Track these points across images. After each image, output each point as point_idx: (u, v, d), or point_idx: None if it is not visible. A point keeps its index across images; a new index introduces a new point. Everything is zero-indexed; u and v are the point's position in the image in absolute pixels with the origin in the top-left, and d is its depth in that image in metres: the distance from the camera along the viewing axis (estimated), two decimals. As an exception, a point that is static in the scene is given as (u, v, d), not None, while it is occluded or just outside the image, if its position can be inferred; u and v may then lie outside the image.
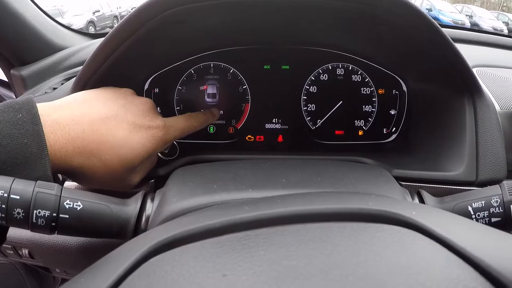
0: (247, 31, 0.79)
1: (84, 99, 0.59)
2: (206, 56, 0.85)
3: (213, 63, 0.85)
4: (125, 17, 0.61)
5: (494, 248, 0.31)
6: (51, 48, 0.99)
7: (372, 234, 0.32)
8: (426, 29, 0.62)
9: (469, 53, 0.99)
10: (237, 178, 0.54)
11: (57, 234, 0.46)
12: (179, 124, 0.67)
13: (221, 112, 0.85)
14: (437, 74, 0.71)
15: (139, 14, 0.60)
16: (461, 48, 1.05)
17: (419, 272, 0.27)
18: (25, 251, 0.75)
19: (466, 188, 0.64)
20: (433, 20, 0.62)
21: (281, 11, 0.68)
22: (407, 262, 0.28)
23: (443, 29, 1.00)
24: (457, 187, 0.65)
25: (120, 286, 0.28)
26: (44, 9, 1.03)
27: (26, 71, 0.95)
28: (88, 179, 0.57)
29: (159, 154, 0.69)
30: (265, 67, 0.85)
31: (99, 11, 10.54)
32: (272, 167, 0.58)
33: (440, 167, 0.68)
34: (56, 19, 1.08)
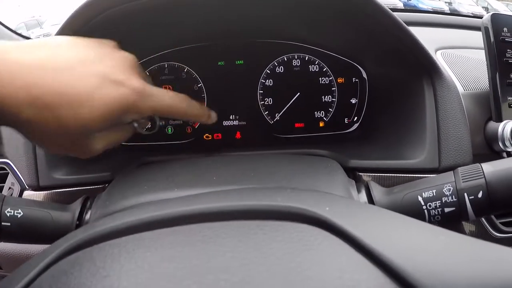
0: (198, 27, 0.73)
1: (58, 43, 0.47)
2: (159, 57, 0.80)
3: (167, 64, 0.80)
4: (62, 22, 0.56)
5: (407, 248, 0.26)
6: None
7: (268, 234, 0.29)
8: (377, 13, 0.57)
9: (435, 37, 0.94)
10: (169, 177, 0.51)
11: (2, 241, 0.48)
12: (164, 97, 0.52)
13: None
14: (394, 58, 0.66)
15: (76, 18, 0.55)
16: (427, 31, 1.01)
17: (313, 277, 0.24)
18: None
19: (429, 175, 0.59)
20: (383, 5, 0.57)
21: (233, 4, 0.63)
22: (301, 266, 0.25)
23: (406, 14, 0.96)
24: (419, 175, 0.60)
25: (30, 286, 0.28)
26: (23, 20, 1.00)
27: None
28: (38, 136, 0.46)
29: (135, 125, 0.57)
30: (219, 63, 0.79)
31: None
32: (211, 165, 0.55)
33: (402, 155, 0.63)
34: (35, 29, 1.04)
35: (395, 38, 0.60)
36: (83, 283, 0.26)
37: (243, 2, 0.63)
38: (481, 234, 0.63)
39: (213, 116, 0.63)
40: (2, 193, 0.65)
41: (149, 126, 0.63)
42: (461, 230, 0.62)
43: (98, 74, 0.46)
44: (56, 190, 0.63)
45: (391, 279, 0.23)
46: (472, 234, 0.63)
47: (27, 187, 0.64)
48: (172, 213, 0.33)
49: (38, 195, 0.63)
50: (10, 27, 1.05)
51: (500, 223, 0.64)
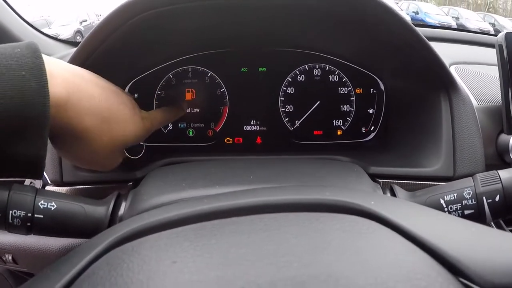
0: (223, 34, 0.76)
1: (89, 72, 0.54)
2: (184, 61, 0.82)
3: (191, 67, 0.83)
4: (96, 24, 0.59)
5: (452, 236, 0.29)
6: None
7: (325, 223, 0.31)
8: (399, 27, 0.60)
9: (448, 51, 0.97)
10: (207, 176, 0.53)
11: (34, 234, 0.46)
12: (158, 116, 0.67)
13: (199, 114, 0.83)
14: (413, 71, 0.69)
15: (111, 20, 0.58)
16: (440, 46, 1.04)
17: (371, 260, 0.26)
18: (8, 257, 0.73)
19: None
20: (405, 18, 0.60)
21: (257, 13, 0.66)
22: (359, 250, 0.27)
23: (420, 28, 0.99)
24: (435, 183, 0.63)
25: (84, 273, 0.29)
26: (31, 19, 1.02)
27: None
28: (80, 149, 0.50)
29: (126, 153, 0.69)
30: (242, 69, 0.82)
31: (86, 20, 9.90)
32: (243, 166, 0.57)
33: (418, 164, 0.66)
34: (43, 29, 1.06)
35: (414, 51, 0.62)
36: (149, 269, 0.26)
37: (268, 12, 0.66)
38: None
39: (184, 107, 0.81)
40: None
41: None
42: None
43: (131, 104, 0.57)
44: (79, 187, 0.64)
45: (437, 262, 0.25)
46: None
47: (49, 182, 0.64)
48: (232, 205, 0.34)
49: (61, 191, 0.63)
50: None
51: (504, 221, 0.67)
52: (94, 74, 0.53)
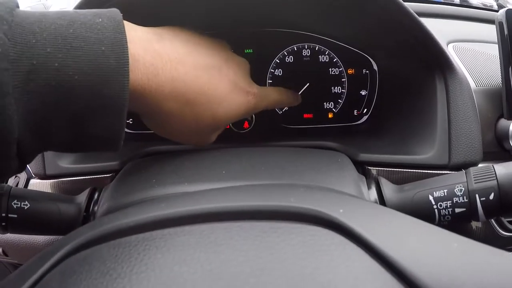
0: (205, 16, 0.71)
1: (185, 38, 0.49)
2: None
3: (174, 49, 0.78)
4: None
5: (427, 258, 0.25)
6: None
7: (282, 237, 0.28)
8: (388, 3, 0.55)
9: (447, 29, 0.92)
10: (178, 170, 0.50)
11: (10, 233, 0.48)
12: (272, 96, 0.63)
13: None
14: (406, 50, 0.64)
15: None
16: (439, 23, 0.99)
17: (327, 284, 0.23)
18: None
19: (439, 172, 0.58)
20: None
21: None
22: (315, 272, 0.24)
23: (419, 4, 0.93)
24: (429, 171, 0.59)
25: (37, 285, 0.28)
26: (29, 4, 0.98)
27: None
28: (168, 129, 0.50)
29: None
30: (227, 51, 0.78)
31: None
32: (218, 158, 0.53)
33: (411, 151, 0.62)
34: None
35: (406, 30, 0.58)
36: (92, 283, 0.25)
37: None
38: (488, 232, 0.62)
39: (299, 98, 0.74)
40: (8, 182, 0.65)
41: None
42: (468, 228, 0.61)
43: (230, 79, 0.51)
44: (63, 179, 0.62)
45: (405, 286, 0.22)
46: (479, 232, 0.62)
47: (33, 175, 0.63)
48: (182, 212, 0.31)
49: (45, 184, 0.62)
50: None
51: (507, 221, 0.63)
52: (189, 42, 0.49)
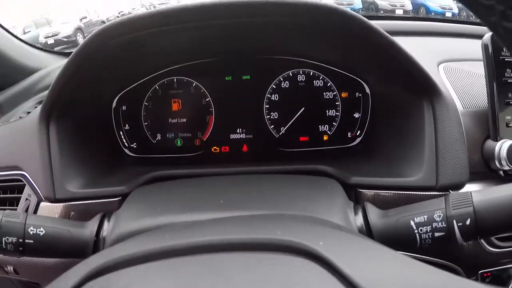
0: (206, 45, 0.75)
1: None
2: (169, 72, 0.81)
3: (176, 78, 0.82)
4: (81, 42, 0.60)
5: (394, 284, 0.28)
6: (24, 71, 0.98)
7: (267, 268, 0.31)
8: (370, 35, 0.58)
9: (436, 47, 0.93)
10: (180, 199, 0.55)
11: (26, 256, 0.50)
12: None
13: (186, 123, 0.83)
14: (394, 77, 0.67)
15: (96, 39, 0.59)
16: (430, 41, 1.00)
17: None
18: (10, 268, 0.76)
19: (427, 193, 0.61)
20: (374, 25, 0.58)
21: (239, 25, 0.65)
22: None
23: (410, 22, 0.95)
24: (418, 193, 0.61)
25: None
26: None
27: (1, 97, 0.93)
28: None
29: None
30: (226, 78, 0.81)
31: (86, 17, 10.01)
32: (219, 187, 0.58)
33: (401, 173, 0.64)
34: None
35: (392, 59, 0.60)
36: None
37: (248, 26, 0.65)
38: (477, 249, 0.64)
39: None
40: (20, 203, 0.68)
41: None
42: (458, 245, 0.63)
43: None
44: (70, 203, 0.64)
45: None
46: (468, 247, 0.64)
47: (43, 199, 0.65)
48: (179, 245, 0.35)
49: (55, 207, 0.65)
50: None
51: (495, 238, 0.64)
52: None
